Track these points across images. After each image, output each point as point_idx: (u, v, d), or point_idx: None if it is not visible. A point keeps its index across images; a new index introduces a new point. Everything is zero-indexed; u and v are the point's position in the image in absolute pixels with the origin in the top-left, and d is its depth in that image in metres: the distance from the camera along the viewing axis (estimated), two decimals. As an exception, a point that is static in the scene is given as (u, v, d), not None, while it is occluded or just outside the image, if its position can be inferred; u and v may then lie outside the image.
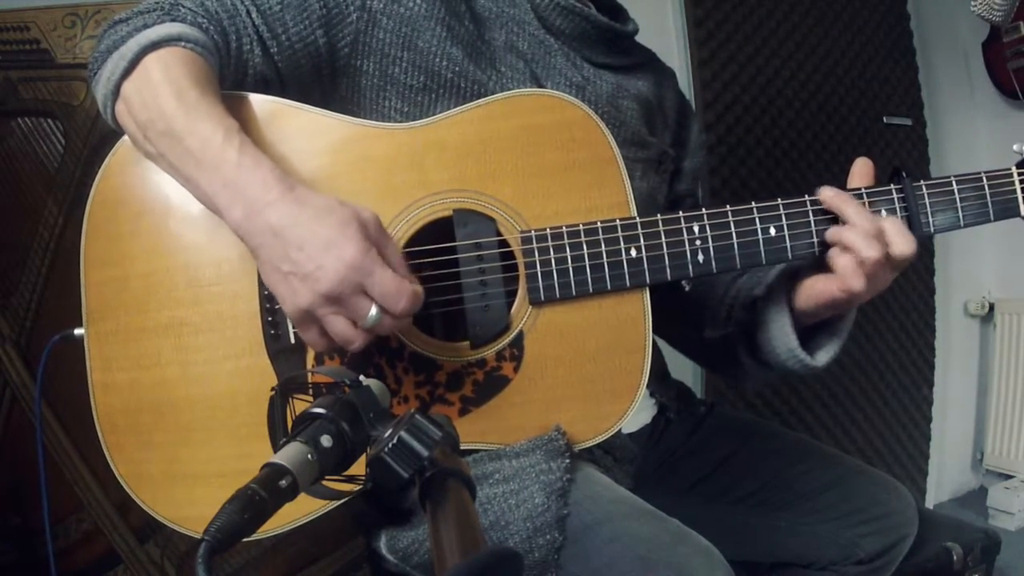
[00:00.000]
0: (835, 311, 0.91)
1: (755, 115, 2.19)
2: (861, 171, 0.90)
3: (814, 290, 0.89)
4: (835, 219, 0.87)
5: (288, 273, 0.71)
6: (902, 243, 0.84)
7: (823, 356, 0.95)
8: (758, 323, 0.96)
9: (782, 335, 0.93)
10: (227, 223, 0.74)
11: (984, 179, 0.89)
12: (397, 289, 0.71)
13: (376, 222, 0.74)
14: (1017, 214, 0.89)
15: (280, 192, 0.72)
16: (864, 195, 0.88)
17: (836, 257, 0.85)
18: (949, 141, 2.62)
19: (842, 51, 2.36)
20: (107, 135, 0.85)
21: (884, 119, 2.43)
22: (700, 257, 0.86)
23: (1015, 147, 0.89)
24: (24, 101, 1.43)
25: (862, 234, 0.83)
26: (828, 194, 0.86)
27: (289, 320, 0.83)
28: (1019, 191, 0.89)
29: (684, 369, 1.58)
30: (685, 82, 2.08)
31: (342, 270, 0.70)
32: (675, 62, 2.07)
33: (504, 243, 0.86)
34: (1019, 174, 0.89)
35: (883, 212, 0.88)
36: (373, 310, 0.72)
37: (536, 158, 0.86)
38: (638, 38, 1.09)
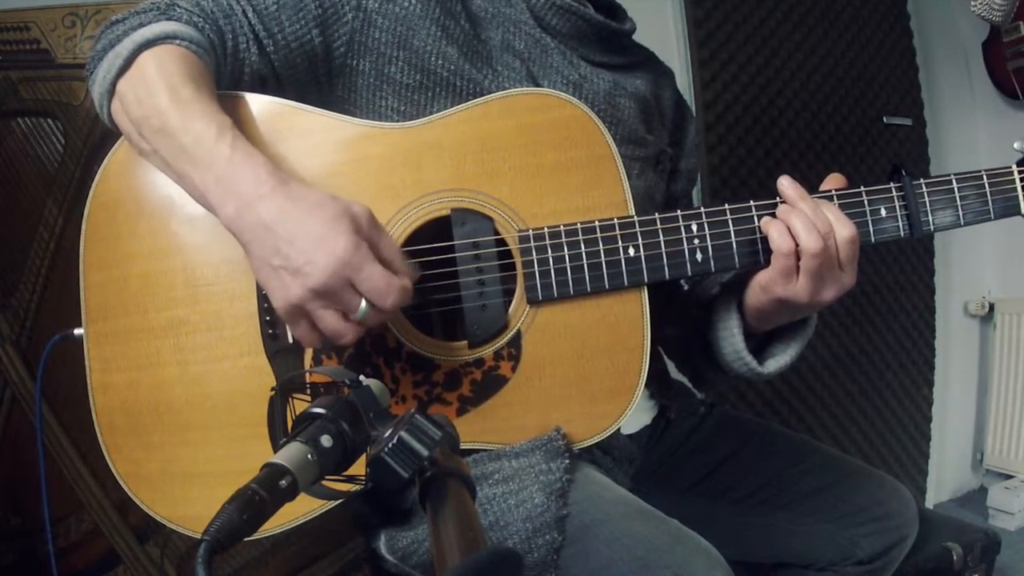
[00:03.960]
0: (786, 313, 0.90)
1: (755, 115, 2.19)
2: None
3: (759, 280, 0.87)
4: None
5: (278, 267, 0.71)
6: (841, 228, 0.83)
7: (772, 364, 0.94)
8: (709, 322, 0.96)
9: (729, 335, 0.93)
10: (220, 219, 0.74)
11: (984, 177, 0.89)
12: (386, 285, 0.71)
13: (368, 217, 0.74)
14: (1018, 212, 0.89)
15: (272, 187, 0.72)
16: (864, 194, 0.88)
17: (769, 226, 0.85)
18: (949, 141, 2.62)
19: (842, 51, 2.36)
20: (107, 135, 0.85)
21: (884, 119, 2.43)
22: (699, 256, 0.86)
23: (1016, 145, 0.89)
24: (24, 101, 1.42)
25: (807, 220, 0.82)
26: (785, 184, 0.85)
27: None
28: (1019, 189, 0.89)
29: (684, 369, 1.58)
30: (685, 82, 2.08)
31: (332, 265, 0.70)
32: (675, 62, 2.07)
33: (502, 242, 0.86)
34: (1020, 172, 0.89)
35: (882, 211, 0.88)
36: (362, 305, 0.72)
37: (533, 157, 0.86)
38: (638, 37, 1.08)
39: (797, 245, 0.83)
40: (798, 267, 0.84)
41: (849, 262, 0.85)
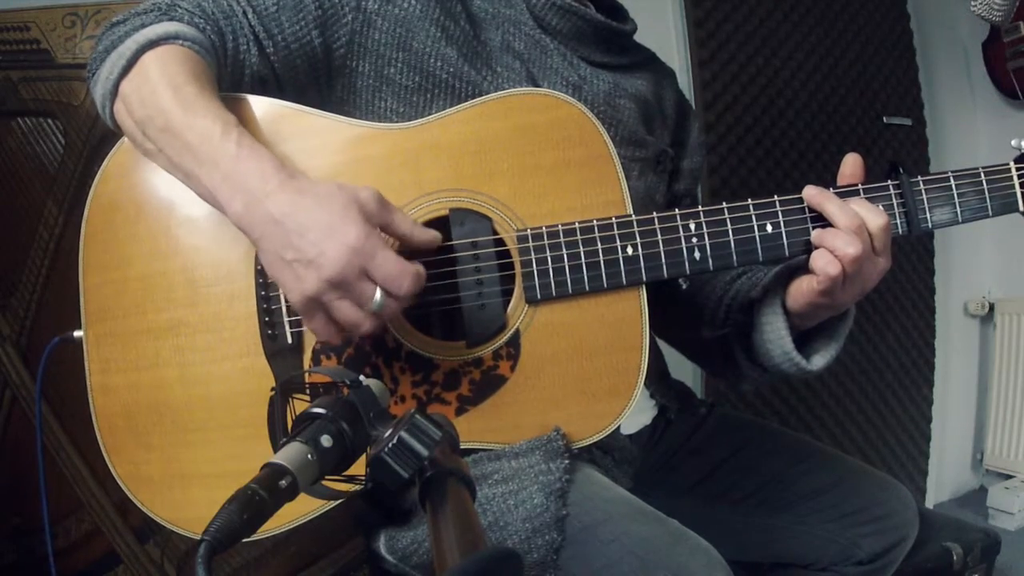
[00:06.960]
0: (828, 312, 0.91)
1: (755, 115, 2.19)
2: (852, 170, 0.90)
3: (801, 290, 0.88)
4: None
5: (292, 261, 0.71)
6: (873, 218, 0.84)
7: (819, 360, 0.94)
8: (754, 325, 0.96)
9: (777, 338, 0.93)
10: (228, 217, 0.74)
11: (982, 174, 0.88)
12: (400, 271, 0.71)
13: (376, 200, 0.74)
14: (1016, 209, 0.89)
15: (279, 181, 0.72)
16: (861, 192, 0.88)
17: (814, 256, 0.85)
18: (949, 141, 2.62)
19: (842, 51, 2.36)
20: (107, 135, 0.85)
21: (884, 119, 2.43)
22: (697, 254, 0.86)
23: (1013, 142, 0.89)
24: (24, 101, 1.43)
25: (841, 233, 0.83)
26: (811, 192, 0.86)
27: (286, 309, 0.84)
28: (1018, 186, 0.89)
29: (684, 369, 1.58)
30: (685, 82, 2.08)
31: (345, 254, 0.70)
32: (675, 62, 2.07)
33: (500, 242, 0.86)
34: (1017, 169, 0.89)
35: (880, 208, 0.88)
36: (378, 294, 0.71)
37: (532, 157, 0.85)
38: (638, 38, 1.08)
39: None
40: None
41: (885, 249, 0.85)
